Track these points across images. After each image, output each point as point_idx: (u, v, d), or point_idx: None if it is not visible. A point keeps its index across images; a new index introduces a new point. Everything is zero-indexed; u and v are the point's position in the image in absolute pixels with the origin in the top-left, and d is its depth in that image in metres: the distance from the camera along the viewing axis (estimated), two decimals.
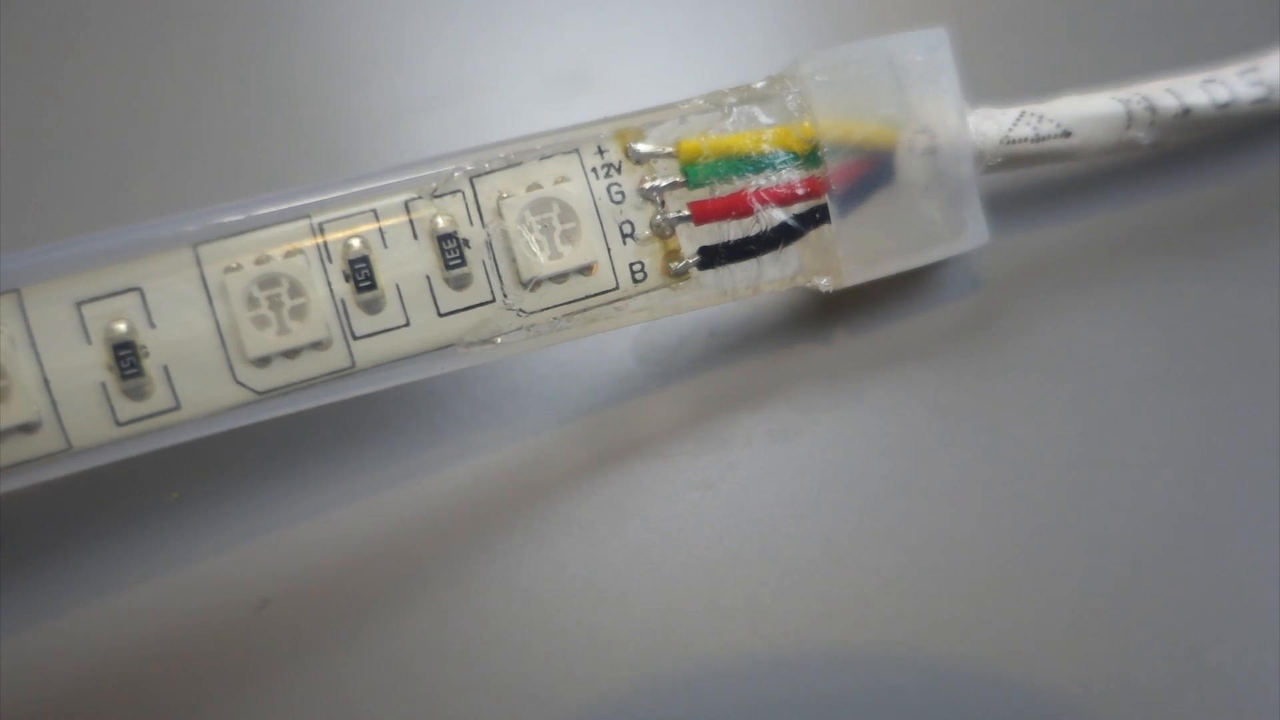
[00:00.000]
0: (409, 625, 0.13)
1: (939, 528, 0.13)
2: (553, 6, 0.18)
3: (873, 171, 0.13)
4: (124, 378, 0.12)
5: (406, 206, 0.13)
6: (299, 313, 0.13)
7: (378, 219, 0.13)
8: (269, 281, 0.13)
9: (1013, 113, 0.14)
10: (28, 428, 0.12)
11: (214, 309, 0.12)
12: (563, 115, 0.14)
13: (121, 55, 0.17)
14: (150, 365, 0.12)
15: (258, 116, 0.16)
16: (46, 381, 0.12)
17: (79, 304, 0.12)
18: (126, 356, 0.12)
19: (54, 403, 0.12)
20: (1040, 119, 0.14)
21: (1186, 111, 0.14)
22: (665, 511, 0.13)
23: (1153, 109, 0.14)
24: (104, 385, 0.12)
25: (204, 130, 0.16)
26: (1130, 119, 0.14)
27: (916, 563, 0.12)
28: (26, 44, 0.17)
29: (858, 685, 0.12)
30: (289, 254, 0.13)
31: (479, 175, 0.13)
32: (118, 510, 0.14)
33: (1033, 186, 0.15)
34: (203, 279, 0.12)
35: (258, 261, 0.13)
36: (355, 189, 0.13)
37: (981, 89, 0.14)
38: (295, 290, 0.13)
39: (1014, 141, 0.14)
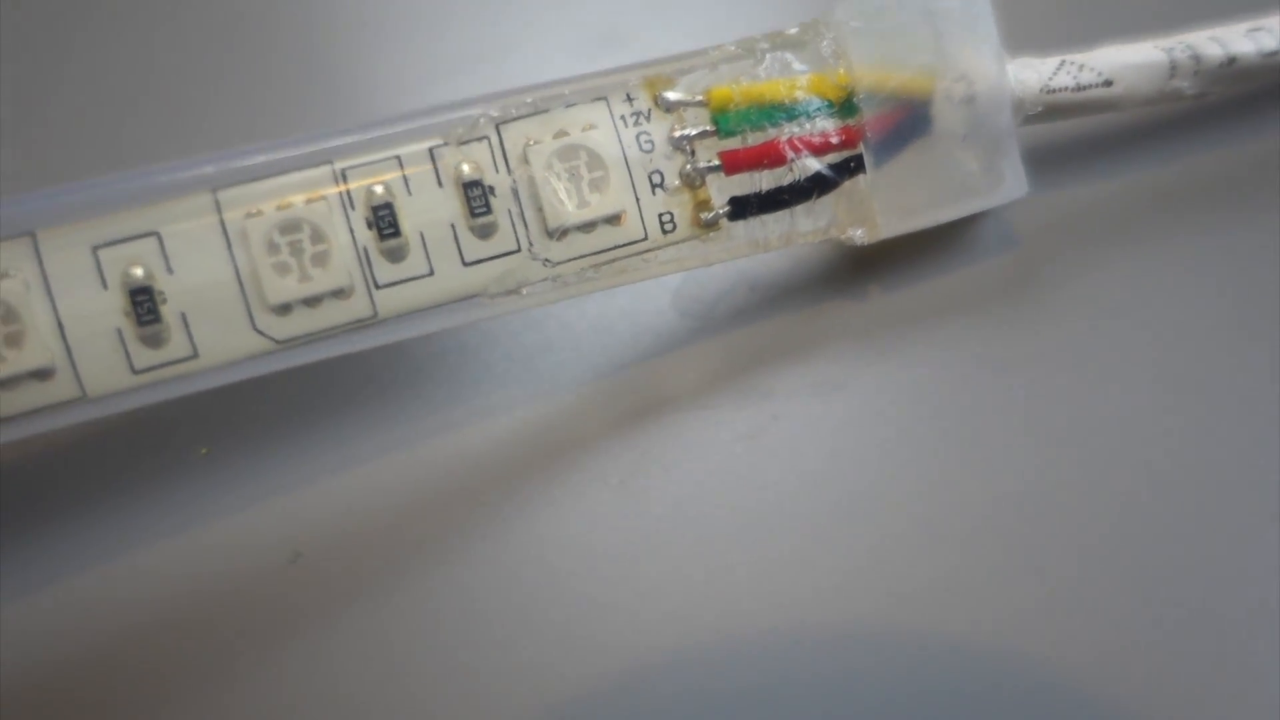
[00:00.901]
0: (442, 578, 0.12)
1: (983, 481, 0.12)
2: None
3: (909, 120, 0.13)
4: (141, 324, 0.12)
5: (431, 153, 0.13)
6: (321, 259, 0.12)
7: (402, 165, 0.12)
8: (290, 227, 0.12)
9: (1053, 61, 0.13)
10: (41, 374, 0.12)
11: (234, 255, 0.12)
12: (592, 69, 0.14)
13: None
14: (168, 312, 0.12)
15: (285, 63, 0.16)
16: (61, 327, 0.12)
17: (95, 248, 0.12)
18: (144, 302, 0.12)
19: (69, 349, 0.12)
20: (1081, 68, 0.13)
21: (1232, 60, 0.13)
22: (707, 464, 0.13)
23: (1197, 58, 0.13)
24: (120, 331, 0.12)
25: (229, 73, 0.16)
26: (1174, 68, 0.13)
27: (960, 516, 0.12)
28: None
29: (904, 641, 0.11)
30: (311, 200, 0.12)
31: (505, 122, 0.13)
32: (147, 465, 0.14)
33: (1072, 140, 0.15)
34: (222, 224, 0.12)
35: (279, 207, 0.12)
36: (379, 134, 0.13)
37: (1021, 38, 0.13)
38: (317, 236, 0.12)
39: (1054, 90, 0.13)
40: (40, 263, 0.12)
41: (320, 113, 0.16)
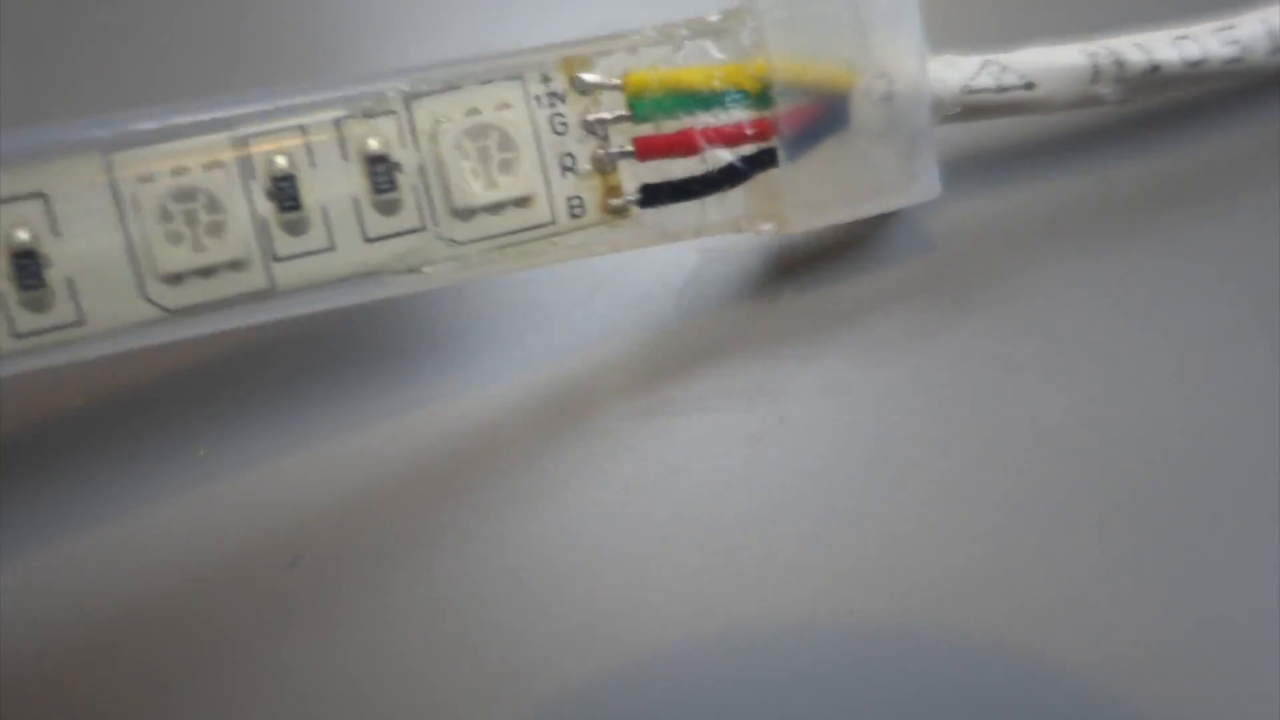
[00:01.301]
0: (444, 581, 0.12)
1: (993, 486, 0.12)
2: None
3: (826, 115, 0.13)
4: (23, 289, 0.12)
5: (337, 125, 0.12)
6: (216, 229, 0.12)
7: (306, 136, 0.12)
8: (185, 195, 0.12)
9: (976, 61, 0.13)
10: None
11: (125, 221, 0.12)
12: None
13: None
14: (53, 276, 0.12)
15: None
16: None
17: None
18: (27, 266, 0.12)
19: None
20: (1004, 69, 0.13)
21: (1155, 68, 0.13)
22: (712, 466, 0.13)
23: (1120, 63, 0.13)
24: (2, 294, 0.12)
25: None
26: (1096, 73, 0.13)
27: (962, 522, 0.12)
28: None
29: (910, 645, 0.11)
30: (208, 167, 0.12)
31: (416, 97, 0.13)
32: (144, 467, 0.14)
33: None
34: (113, 188, 0.12)
35: (174, 173, 0.12)
36: (284, 103, 0.12)
37: (945, 35, 0.13)
38: (213, 206, 0.12)
39: (975, 91, 0.13)
40: None
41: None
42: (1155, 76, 0.13)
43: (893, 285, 0.14)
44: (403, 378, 0.14)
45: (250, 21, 0.16)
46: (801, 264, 0.14)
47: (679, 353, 0.14)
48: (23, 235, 0.12)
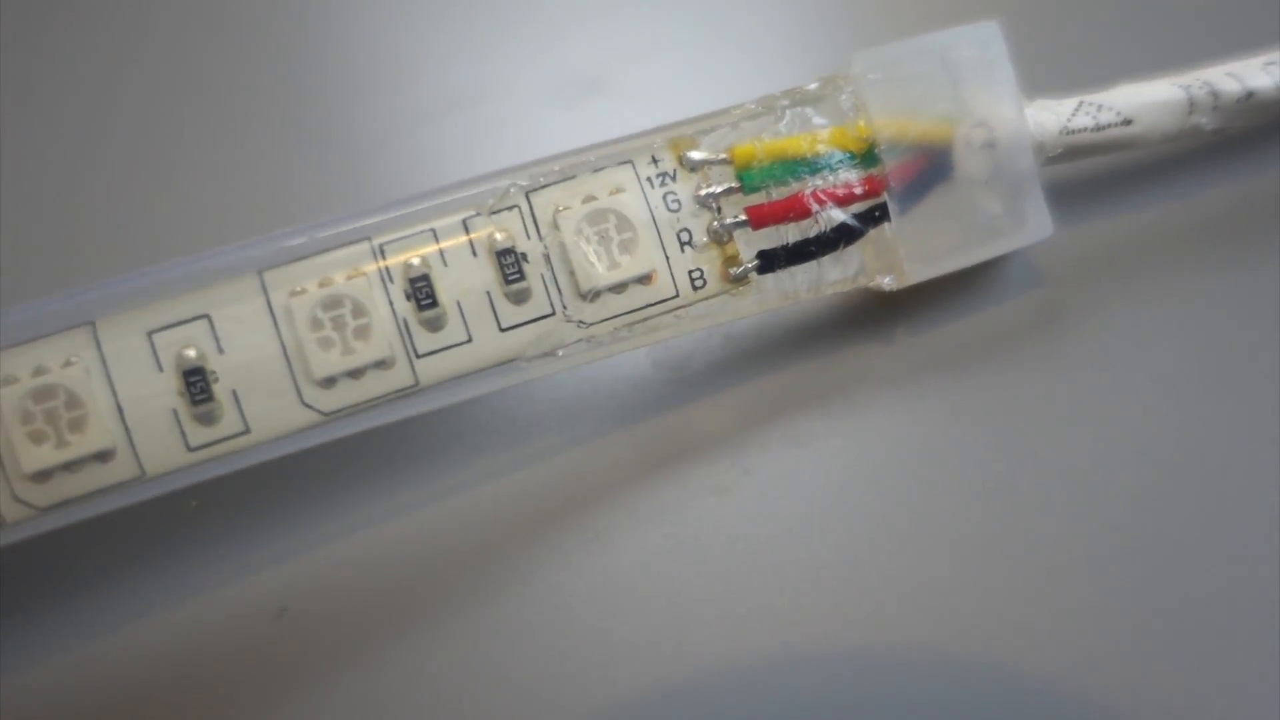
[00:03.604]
0: (425, 633, 0.13)
1: (962, 531, 0.13)
2: (566, 12, 0.18)
3: (931, 168, 0.13)
4: (195, 403, 0.12)
5: (464, 224, 0.13)
6: (362, 333, 0.13)
7: (437, 238, 0.13)
8: (332, 303, 0.13)
9: (1071, 103, 0.13)
10: (103, 455, 0.12)
11: (280, 332, 0.13)
12: (574, 122, 0.14)
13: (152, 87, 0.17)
14: (220, 390, 0.12)
15: (282, 134, 0.16)
16: (120, 410, 0.12)
17: (150, 333, 0.12)
18: (197, 382, 0.12)
19: (128, 430, 0.12)
20: (1100, 108, 0.13)
21: (1250, 95, 0.13)
22: (680, 517, 0.13)
23: (1215, 93, 0.13)
24: (175, 411, 0.12)
25: (252, 162, 0.16)
26: (1192, 104, 0.13)
27: (939, 568, 0.12)
28: (59, 93, 0.17)
29: (875, 692, 0.11)
30: (351, 276, 0.13)
31: (534, 190, 0.13)
32: (137, 517, 0.14)
33: (1095, 177, 0.15)
34: (268, 303, 0.13)
35: (321, 284, 0.13)
36: (413, 209, 0.13)
37: (1038, 81, 0.13)
38: (358, 310, 0.13)
39: (1073, 131, 0.13)
40: (100, 349, 0.12)
41: (315, 168, 0.16)
42: (1250, 103, 0.13)
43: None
44: (391, 438, 0.14)
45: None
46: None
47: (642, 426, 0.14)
48: (191, 354, 0.12)
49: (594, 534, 0.13)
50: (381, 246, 0.13)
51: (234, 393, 0.12)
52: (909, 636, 0.12)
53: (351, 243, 0.13)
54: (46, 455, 0.12)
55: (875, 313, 0.14)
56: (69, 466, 0.12)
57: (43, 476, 0.12)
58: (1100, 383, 0.14)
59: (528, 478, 0.14)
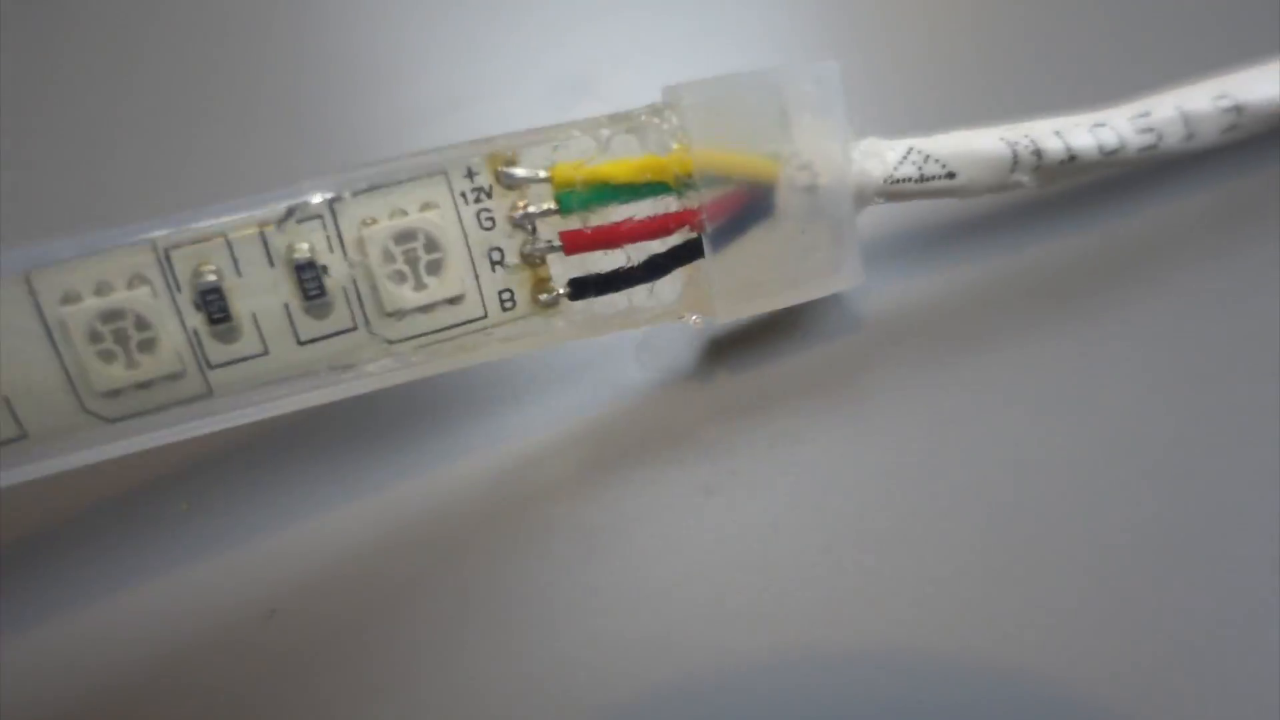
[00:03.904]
0: (413, 634, 0.13)
1: (937, 531, 0.13)
2: (552, 14, 0.16)
3: (751, 205, 0.13)
4: None
5: (261, 234, 0.12)
6: (147, 346, 0.12)
7: (230, 247, 0.12)
8: (112, 316, 0.12)
9: (900, 148, 0.13)
10: None
11: (55, 343, 0.12)
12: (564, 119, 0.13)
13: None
14: None
15: (254, 122, 0.15)
16: None
17: None
18: None
19: None
20: (926, 159, 0.13)
21: (1072, 158, 0.13)
22: (667, 517, 0.13)
23: (1038, 152, 0.13)
24: None
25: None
26: (1016, 162, 0.13)
27: (915, 565, 0.13)
28: None
29: (860, 689, 0.12)
30: (133, 282, 0.12)
31: (340, 200, 0.12)
32: (126, 520, 0.14)
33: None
34: (39, 310, 0.12)
35: (98, 292, 0.12)
36: (206, 215, 0.12)
37: (872, 119, 0.13)
38: (142, 324, 0.12)
39: (897, 181, 0.13)
40: None
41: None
42: (1072, 165, 0.13)
43: (820, 364, 0.14)
44: (376, 435, 0.15)
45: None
46: (732, 346, 0.15)
47: (626, 424, 0.14)
48: None
49: (582, 535, 0.13)
50: (168, 252, 0.12)
51: (6, 399, 0.12)
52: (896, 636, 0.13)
53: (133, 246, 0.12)
54: None
55: None
56: None
57: None
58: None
59: (512, 476, 0.14)
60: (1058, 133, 0.13)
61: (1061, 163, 0.13)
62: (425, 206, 0.13)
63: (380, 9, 0.18)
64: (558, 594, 0.13)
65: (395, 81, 0.18)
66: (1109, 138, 0.13)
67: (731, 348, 0.15)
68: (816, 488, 0.14)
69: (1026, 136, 0.13)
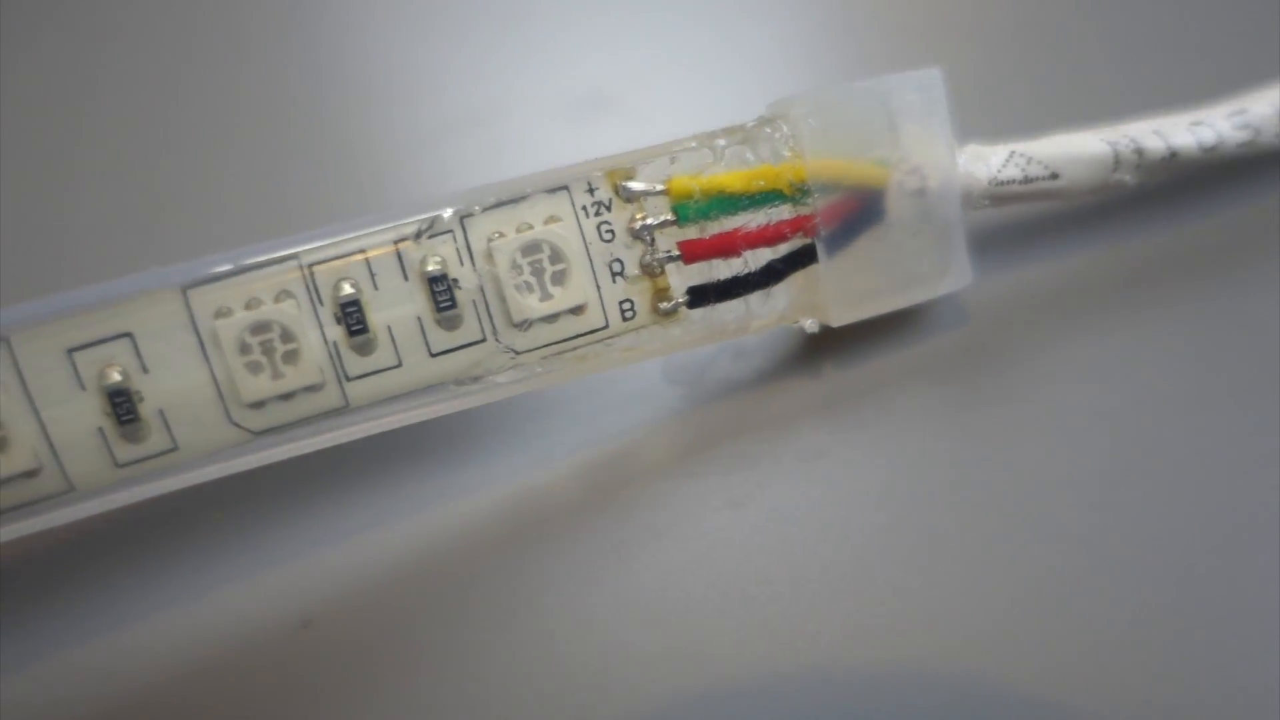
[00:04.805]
0: (447, 645, 0.13)
1: (961, 547, 0.13)
2: (571, 33, 0.17)
3: (862, 211, 0.14)
4: (121, 423, 0.12)
5: (397, 249, 0.13)
6: (291, 357, 0.13)
7: (369, 262, 0.13)
8: (260, 328, 0.13)
9: (1002, 152, 0.14)
10: (29, 474, 0.12)
11: (206, 354, 0.13)
12: (580, 140, 0.14)
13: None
14: (146, 410, 0.12)
15: (275, 149, 0.16)
16: (45, 428, 0.12)
17: (70, 350, 0.12)
18: (122, 403, 0.12)
19: (53, 449, 0.12)
20: (1029, 160, 0.14)
21: (1173, 155, 0.14)
22: (695, 530, 0.14)
23: (1139, 151, 0.14)
24: (102, 430, 0.12)
25: (194, 186, 0.16)
26: (1117, 161, 0.14)
27: (938, 581, 0.13)
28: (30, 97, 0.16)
29: (887, 704, 0.12)
30: (279, 297, 0.13)
31: (469, 216, 0.13)
32: (161, 530, 0.14)
33: (1020, 222, 0.15)
34: (193, 324, 0.12)
35: (248, 306, 0.13)
36: (346, 234, 0.13)
37: (971, 124, 0.14)
38: (287, 336, 0.13)
39: (1002, 183, 0.14)
40: (18, 367, 0.12)
41: (316, 185, 0.16)
42: (1173, 162, 0.14)
43: (930, 362, 0.15)
44: (412, 451, 0.15)
45: (306, 165, 0.17)
46: (843, 340, 0.15)
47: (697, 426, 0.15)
48: (115, 376, 0.12)
49: (612, 547, 0.14)
50: (311, 268, 0.13)
51: (161, 412, 0.13)
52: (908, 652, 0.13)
53: (280, 263, 0.13)
54: None
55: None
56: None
57: None
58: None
59: (541, 490, 0.14)
60: (1157, 132, 0.14)
61: (1162, 159, 0.14)
62: (549, 220, 0.13)
63: (393, 28, 0.19)
64: (589, 606, 0.13)
65: (409, 101, 0.18)
66: (1207, 135, 0.14)
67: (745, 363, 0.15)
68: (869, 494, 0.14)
69: (1126, 136, 0.14)
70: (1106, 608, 0.12)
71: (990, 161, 0.14)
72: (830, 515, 0.14)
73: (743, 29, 0.18)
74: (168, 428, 0.13)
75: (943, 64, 0.13)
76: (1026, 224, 0.15)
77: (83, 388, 0.12)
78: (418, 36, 0.18)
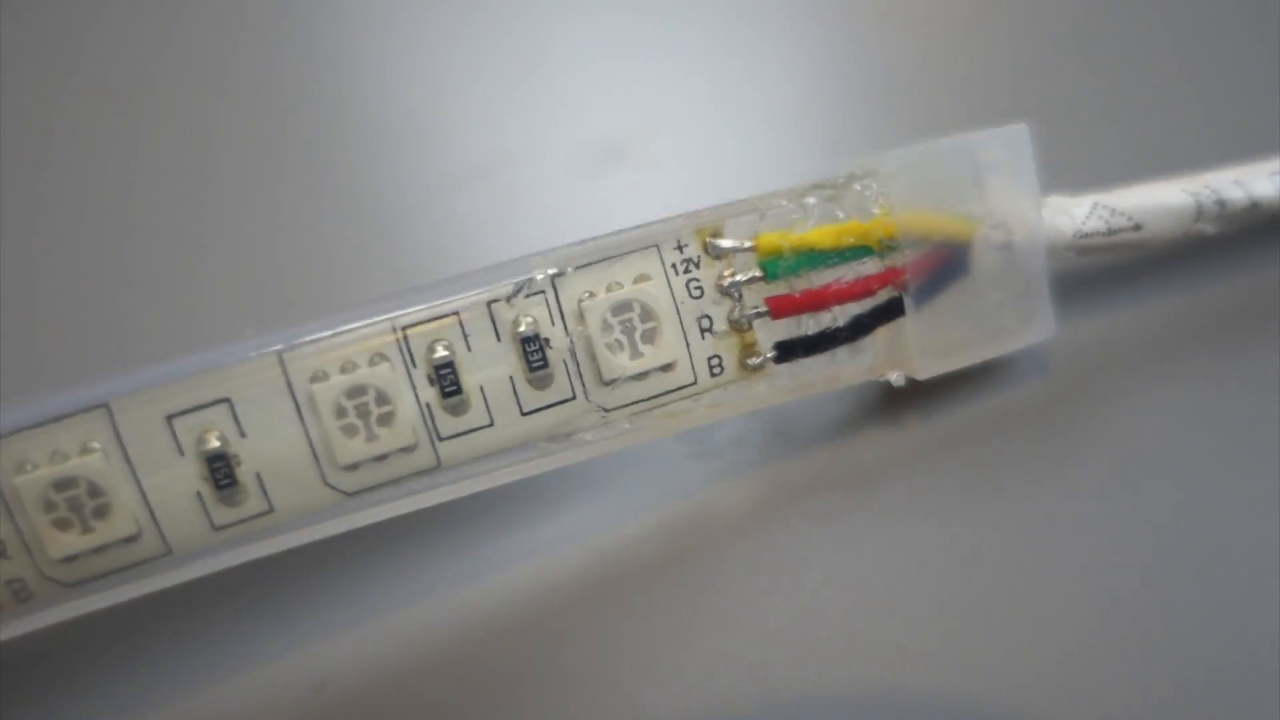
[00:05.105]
0: (466, 709, 0.13)
1: (1003, 609, 0.13)
2: (587, 81, 0.17)
3: (949, 265, 0.14)
4: (218, 487, 0.12)
5: (490, 310, 0.13)
6: (386, 419, 0.13)
7: (462, 324, 0.13)
8: (356, 391, 0.13)
9: (1086, 204, 0.14)
10: (129, 539, 0.12)
11: (303, 418, 0.13)
12: (596, 188, 0.14)
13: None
14: (243, 473, 0.12)
15: (305, 210, 0.16)
16: (145, 494, 0.12)
17: (169, 417, 0.12)
18: (220, 468, 0.12)
19: (152, 513, 0.12)
20: (1112, 212, 0.14)
21: (1254, 205, 0.14)
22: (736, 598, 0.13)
23: (1221, 202, 0.14)
24: (199, 494, 0.12)
25: (271, 255, 0.16)
26: (1199, 211, 0.14)
27: (1031, 635, 0.13)
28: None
29: None
30: (374, 360, 0.13)
31: (559, 276, 0.13)
32: (169, 592, 0.14)
33: (1098, 270, 0.15)
34: (290, 388, 0.13)
35: (343, 370, 0.13)
36: (439, 294, 0.13)
37: (1052, 174, 0.14)
38: (382, 399, 0.13)
39: (1086, 235, 0.14)
40: (118, 434, 0.12)
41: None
42: (1254, 211, 0.14)
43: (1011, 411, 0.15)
44: (433, 515, 0.14)
45: (361, 191, 0.17)
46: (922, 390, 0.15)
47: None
48: (213, 441, 0.12)
49: (679, 625, 0.13)
50: (405, 331, 0.13)
51: (257, 475, 0.13)
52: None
53: (375, 327, 0.13)
54: (73, 541, 0.12)
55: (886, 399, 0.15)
56: (96, 551, 0.12)
57: (70, 561, 0.12)
58: (1104, 467, 0.14)
59: (558, 558, 0.14)
60: (1238, 182, 0.14)
61: (1244, 209, 0.14)
62: (639, 278, 0.13)
63: (411, 79, 0.19)
64: (621, 677, 0.13)
65: (424, 150, 0.18)
66: None
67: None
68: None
69: (1207, 187, 0.14)
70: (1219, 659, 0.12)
71: (1074, 214, 0.14)
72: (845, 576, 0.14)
73: (756, 82, 0.18)
74: (264, 491, 0.13)
75: (1016, 115, 0.13)
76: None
77: (181, 453, 0.12)
78: (429, 88, 0.18)
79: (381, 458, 0.13)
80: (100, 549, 0.12)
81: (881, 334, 0.14)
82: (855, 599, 0.13)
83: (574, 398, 0.13)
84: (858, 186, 0.14)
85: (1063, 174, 0.14)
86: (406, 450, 0.13)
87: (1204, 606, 0.13)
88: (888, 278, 0.14)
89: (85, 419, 0.12)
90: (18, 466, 0.12)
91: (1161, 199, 0.14)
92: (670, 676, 0.13)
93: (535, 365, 0.13)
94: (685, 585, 0.14)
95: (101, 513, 0.12)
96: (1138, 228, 0.14)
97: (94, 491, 0.12)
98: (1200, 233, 0.14)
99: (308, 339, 0.13)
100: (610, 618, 0.14)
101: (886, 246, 0.14)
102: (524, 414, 0.13)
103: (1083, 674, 0.13)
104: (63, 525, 0.12)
